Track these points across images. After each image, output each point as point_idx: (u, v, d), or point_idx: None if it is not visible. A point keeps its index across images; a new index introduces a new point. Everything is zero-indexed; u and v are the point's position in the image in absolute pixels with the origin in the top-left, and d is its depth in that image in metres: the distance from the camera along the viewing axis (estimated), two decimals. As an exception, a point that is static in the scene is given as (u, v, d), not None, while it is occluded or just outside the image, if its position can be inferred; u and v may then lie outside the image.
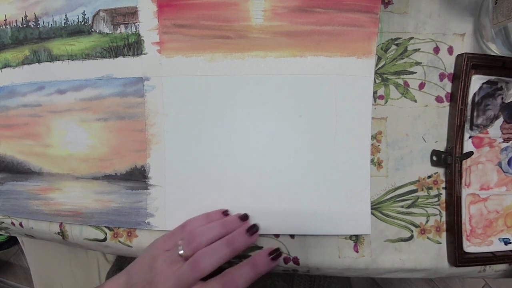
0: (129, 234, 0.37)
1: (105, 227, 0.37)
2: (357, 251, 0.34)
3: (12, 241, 1.11)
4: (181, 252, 0.30)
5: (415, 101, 0.34)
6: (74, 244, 0.39)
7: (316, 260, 0.35)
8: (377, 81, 0.34)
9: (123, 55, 0.35)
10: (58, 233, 0.38)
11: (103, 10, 0.35)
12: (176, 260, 0.30)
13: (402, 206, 0.34)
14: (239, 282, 0.29)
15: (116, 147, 0.36)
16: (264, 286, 0.43)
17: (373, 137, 0.34)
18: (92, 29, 0.35)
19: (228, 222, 0.32)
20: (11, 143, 0.39)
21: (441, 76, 0.34)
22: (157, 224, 0.35)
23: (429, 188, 0.34)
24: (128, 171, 0.36)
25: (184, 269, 0.29)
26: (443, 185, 0.34)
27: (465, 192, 0.34)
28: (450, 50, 0.34)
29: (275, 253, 0.32)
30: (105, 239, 0.37)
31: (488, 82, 0.33)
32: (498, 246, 0.35)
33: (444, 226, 0.34)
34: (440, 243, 0.34)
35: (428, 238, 0.34)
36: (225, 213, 0.34)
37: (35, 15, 0.37)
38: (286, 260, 0.35)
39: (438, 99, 0.34)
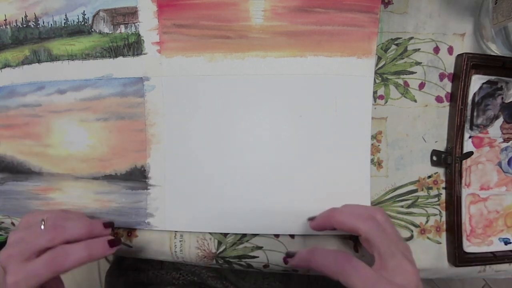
0: (129, 234, 0.37)
1: (105, 227, 0.37)
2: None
3: (12, 241, 1.11)
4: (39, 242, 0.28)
5: (415, 101, 0.34)
6: (74, 244, 0.39)
7: (316, 260, 0.34)
8: (377, 81, 0.34)
9: (123, 55, 0.35)
10: (58, 233, 0.38)
11: (103, 10, 0.35)
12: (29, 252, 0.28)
13: (402, 206, 0.34)
14: (67, 261, 0.28)
15: (116, 147, 0.36)
16: (261, 287, 0.43)
17: (373, 137, 0.34)
18: (92, 29, 0.35)
19: (93, 224, 0.32)
20: (11, 143, 0.39)
21: (441, 76, 0.34)
22: (157, 224, 0.35)
23: (429, 188, 0.34)
24: (128, 171, 0.36)
25: (38, 264, 0.28)
26: (443, 185, 0.34)
27: (465, 192, 0.34)
28: (450, 50, 0.34)
29: (114, 241, 0.31)
30: (105, 239, 0.37)
31: (488, 82, 0.33)
32: (498, 246, 0.35)
33: (444, 226, 0.34)
34: (440, 243, 0.34)
35: (428, 238, 0.34)
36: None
37: (35, 15, 0.37)
38: (286, 261, 0.35)
39: (438, 99, 0.34)
